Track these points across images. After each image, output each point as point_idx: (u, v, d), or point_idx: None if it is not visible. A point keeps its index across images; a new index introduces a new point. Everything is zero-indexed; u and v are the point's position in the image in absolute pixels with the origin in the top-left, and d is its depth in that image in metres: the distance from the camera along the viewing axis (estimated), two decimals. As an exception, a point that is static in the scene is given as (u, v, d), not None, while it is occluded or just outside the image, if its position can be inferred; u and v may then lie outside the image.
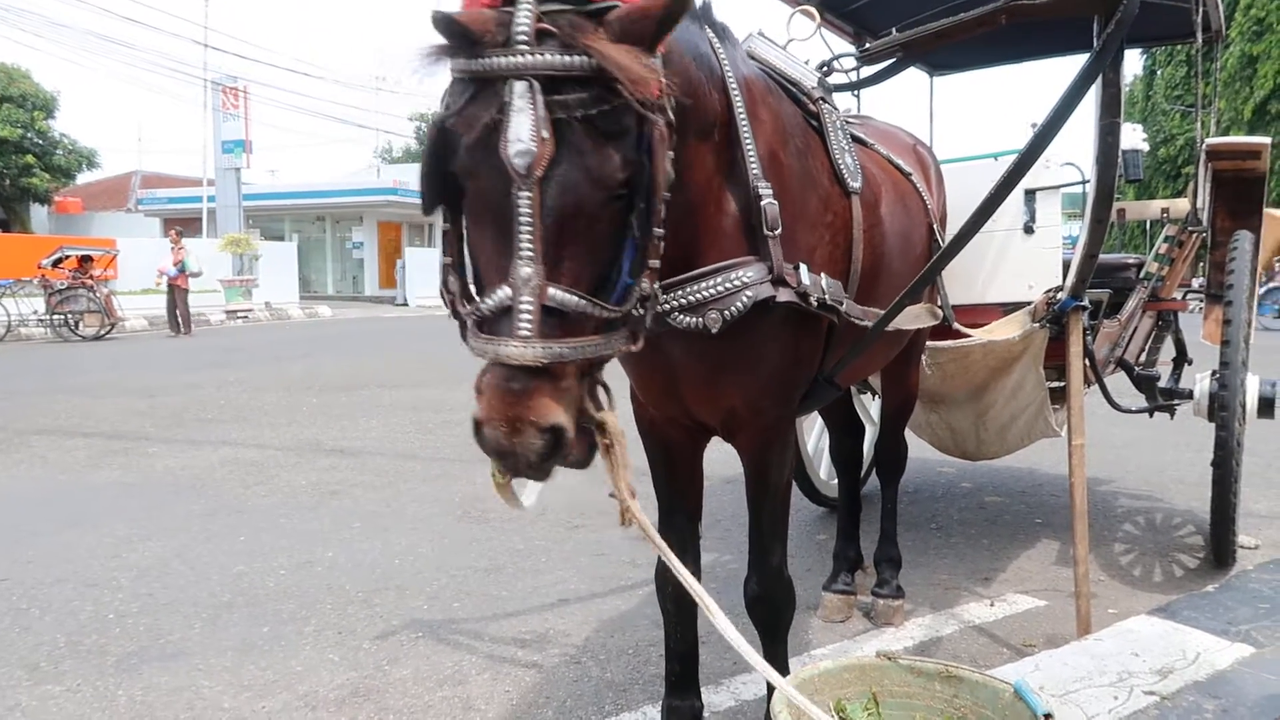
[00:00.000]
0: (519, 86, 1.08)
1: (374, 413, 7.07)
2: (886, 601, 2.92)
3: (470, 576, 3.36)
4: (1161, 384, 3.69)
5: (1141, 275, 3.55)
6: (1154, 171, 31.72)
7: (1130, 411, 3.62)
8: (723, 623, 1.34)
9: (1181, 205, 3.63)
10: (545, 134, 1.07)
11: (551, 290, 1.12)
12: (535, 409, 1.12)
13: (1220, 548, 3.24)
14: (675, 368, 1.72)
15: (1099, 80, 1.83)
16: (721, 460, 1.76)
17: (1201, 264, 4.24)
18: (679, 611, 1.98)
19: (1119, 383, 3.72)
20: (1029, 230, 3.03)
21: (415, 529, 3.97)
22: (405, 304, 26.04)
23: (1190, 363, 4.07)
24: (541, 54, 1.09)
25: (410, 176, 29.76)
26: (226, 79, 25.12)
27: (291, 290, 23.56)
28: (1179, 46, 26.02)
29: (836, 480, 3.43)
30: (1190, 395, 3.51)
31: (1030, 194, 3.02)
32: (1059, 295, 2.60)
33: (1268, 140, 3.69)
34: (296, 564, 3.51)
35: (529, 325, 1.11)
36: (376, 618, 2.98)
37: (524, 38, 1.09)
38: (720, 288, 1.57)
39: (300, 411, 7.15)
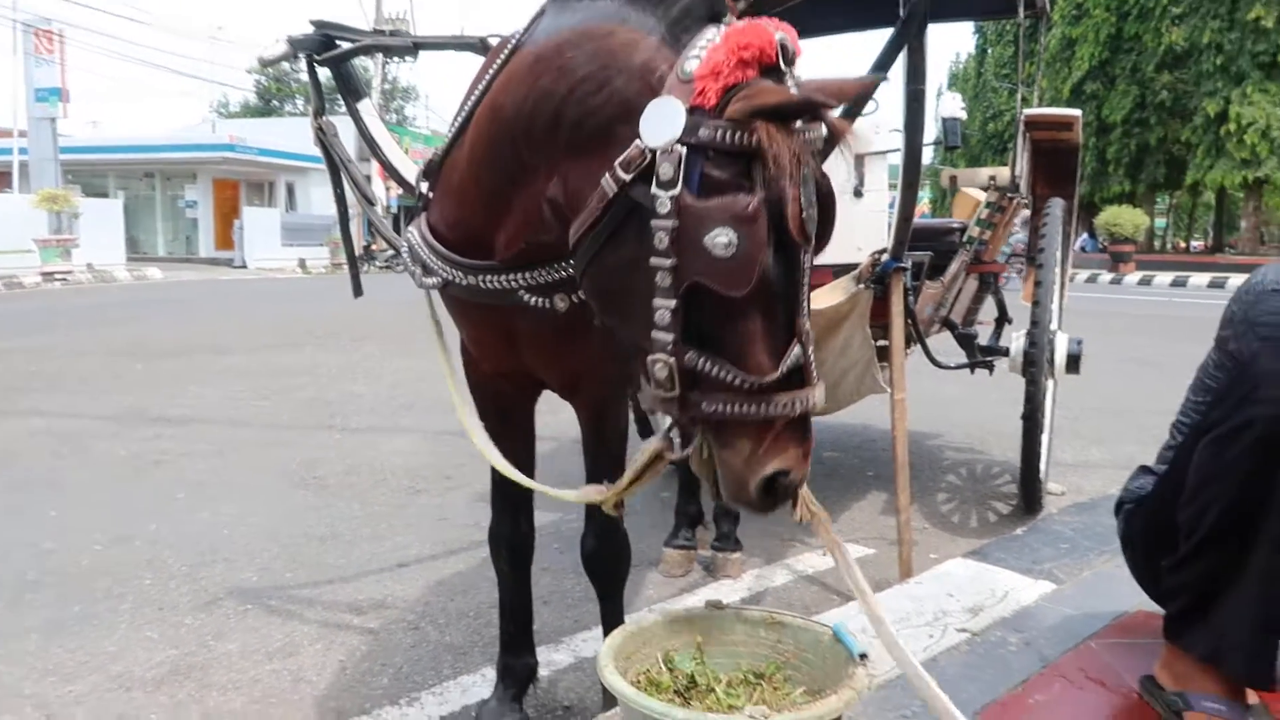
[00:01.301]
0: (805, 158, 1.09)
1: (205, 379, 6.69)
2: (725, 554, 2.99)
3: (305, 545, 3.24)
4: (982, 342, 3.91)
5: (965, 239, 3.73)
6: (984, 146, 33.53)
7: (949, 368, 3.82)
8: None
9: (1006, 173, 3.84)
10: (815, 200, 1.11)
11: None
12: (812, 442, 1.20)
13: (1029, 495, 3.48)
14: (516, 331, 1.69)
15: (906, 50, 1.89)
16: (570, 420, 1.76)
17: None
18: (513, 570, 1.96)
19: (947, 342, 3.92)
20: (858, 194, 3.13)
21: (246, 498, 3.79)
22: (244, 266, 24.71)
23: (1010, 322, 4.33)
24: (816, 129, 1.10)
25: (249, 132, 28.23)
26: (39, 20, 22.96)
27: (117, 251, 21.93)
28: (1008, 26, 27.50)
29: (679, 439, 3.47)
30: (1007, 353, 3.73)
31: (859, 159, 3.11)
32: (883, 257, 2.69)
33: (1079, 112, 3.94)
34: (113, 539, 3.29)
35: (815, 371, 1.16)
36: (201, 592, 2.83)
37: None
38: (566, 271, 1.53)
39: (123, 379, 6.69)
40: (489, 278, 1.54)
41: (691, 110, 1.08)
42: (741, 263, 1.06)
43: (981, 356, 3.88)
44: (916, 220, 2.76)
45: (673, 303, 1.11)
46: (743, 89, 1.06)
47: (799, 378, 1.14)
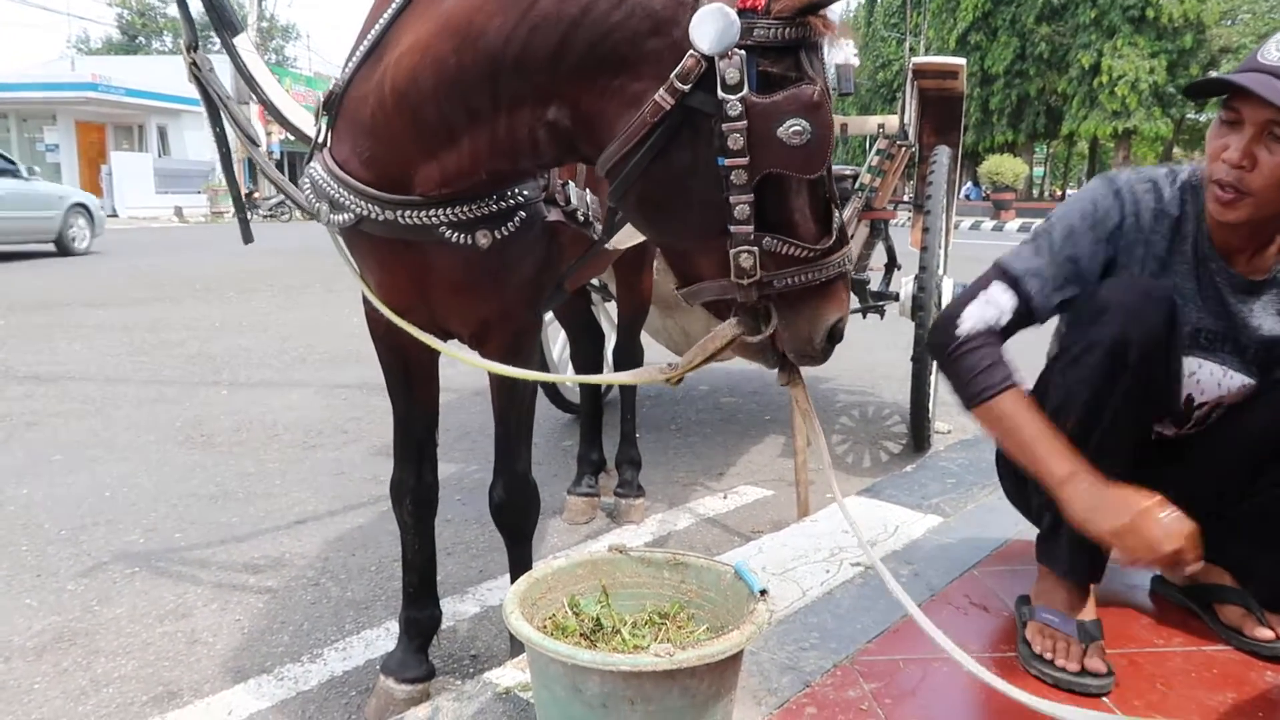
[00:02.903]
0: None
1: (78, 334, 6.34)
2: (628, 501, 3.03)
3: (194, 504, 3.13)
4: (872, 287, 4.02)
5: (856, 186, 3.81)
6: (873, 95, 34.14)
7: (844, 313, 3.91)
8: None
9: (895, 121, 3.91)
10: None
11: None
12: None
13: (918, 434, 3.62)
14: (430, 274, 1.64)
15: None
16: (470, 375, 1.70)
17: (911, 178, 4.62)
18: (416, 523, 1.93)
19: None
20: None
21: (129, 458, 3.63)
22: (114, 214, 23.34)
23: (899, 268, 4.46)
24: None
25: (114, 70, 26.48)
26: None
27: (-30, 198, 20.44)
28: (896, -25, 27.95)
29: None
30: (897, 297, 3.84)
31: None
32: None
33: (963, 60, 4.04)
34: (-18, 504, 3.11)
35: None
36: (84, 555, 2.71)
37: None
38: (494, 206, 1.52)
39: (-15, 335, 6.28)
40: (409, 213, 1.49)
41: (741, 13, 1.15)
42: (817, 145, 1.18)
43: (873, 301, 3.99)
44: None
45: (749, 196, 1.20)
46: None
47: (841, 238, 1.28)
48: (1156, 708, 1.57)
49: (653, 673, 1.21)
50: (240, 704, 1.95)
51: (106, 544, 2.80)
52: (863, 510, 2.58)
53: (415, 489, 1.92)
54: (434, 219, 1.49)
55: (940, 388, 4.09)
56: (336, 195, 1.55)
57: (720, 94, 1.15)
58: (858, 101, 32.35)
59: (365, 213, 1.52)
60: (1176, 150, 31.11)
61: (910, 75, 3.89)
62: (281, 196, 23.89)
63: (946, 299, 3.72)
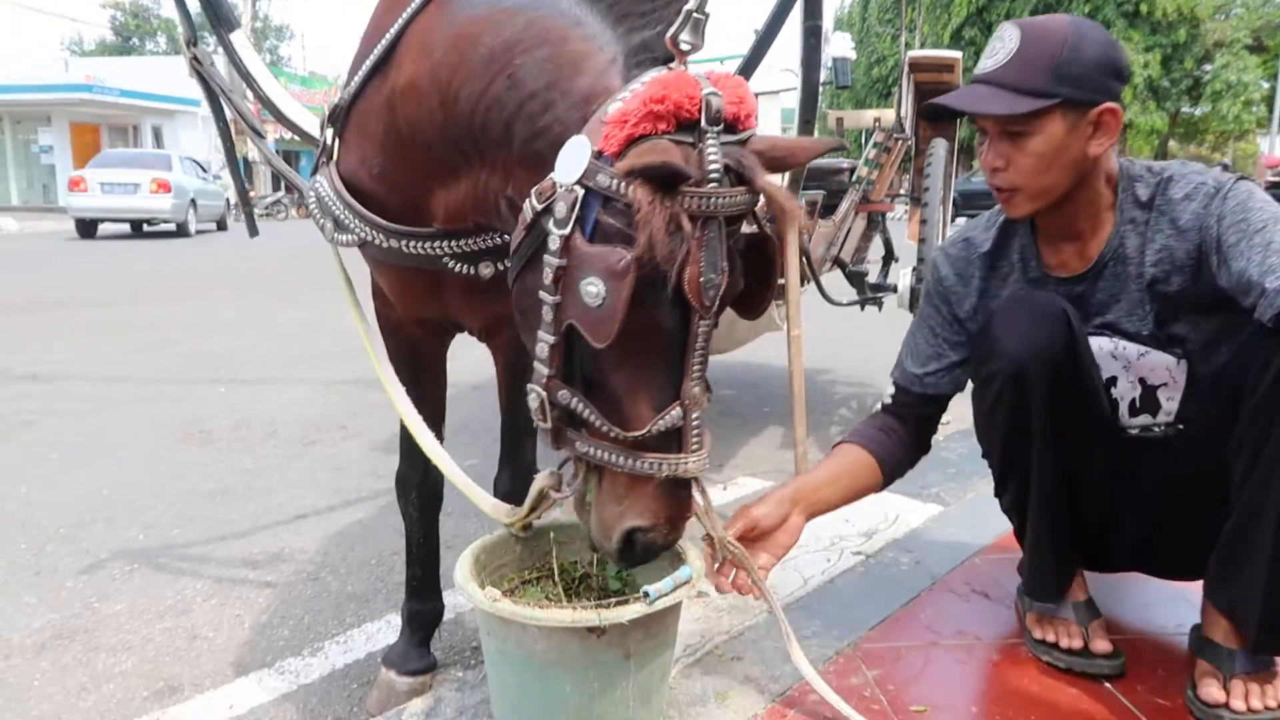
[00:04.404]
0: (711, 223, 1.04)
1: (74, 333, 6.32)
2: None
3: (193, 501, 3.12)
4: (871, 280, 4.02)
5: (853, 179, 3.81)
6: (868, 90, 34.16)
7: (842, 305, 3.92)
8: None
9: (891, 115, 3.91)
10: (726, 267, 1.07)
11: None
12: (690, 507, 1.20)
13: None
14: (439, 284, 1.62)
15: None
16: (470, 369, 1.68)
17: (907, 171, 4.62)
18: (422, 516, 1.93)
19: (838, 280, 4.00)
20: None
21: (127, 456, 3.62)
22: (111, 215, 23.32)
23: (896, 260, 4.46)
24: (731, 194, 1.05)
25: (108, 71, 26.45)
26: None
27: (-36, 200, 20.42)
28: (891, -29, 27.92)
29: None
30: (895, 289, 3.84)
31: None
32: None
33: (959, 54, 4.04)
34: (-19, 503, 3.10)
35: (699, 439, 1.14)
36: (82, 553, 2.70)
37: (716, 174, 1.04)
38: (498, 239, 1.48)
39: (-19, 336, 6.27)
40: (413, 243, 1.46)
41: (598, 154, 1.06)
42: (605, 315, 1.04)
43: (871, 294, 3.99)
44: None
45: (553, 338, 1.12)
46: (646, 142, 1.04)
47: (675, 442, 1.13)
48: (1159, 693, 1.57)
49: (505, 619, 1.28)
50: (241, 698, 1.95)
51: (105, 541, 2.79)
52: (864, 500, 2.57)
53: (421, 483, 1.92)
54: (438, 250, 1.46)
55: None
56: (341, 216, 1.51)
57: (549, 224, 1.08)
58: (853, 96, 32.36)
59: (369, 238, 1.49)
60: (1172, 144, 31.14)
61: (907, 69, 3.89)
62: (277, 195, 23.83)
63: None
